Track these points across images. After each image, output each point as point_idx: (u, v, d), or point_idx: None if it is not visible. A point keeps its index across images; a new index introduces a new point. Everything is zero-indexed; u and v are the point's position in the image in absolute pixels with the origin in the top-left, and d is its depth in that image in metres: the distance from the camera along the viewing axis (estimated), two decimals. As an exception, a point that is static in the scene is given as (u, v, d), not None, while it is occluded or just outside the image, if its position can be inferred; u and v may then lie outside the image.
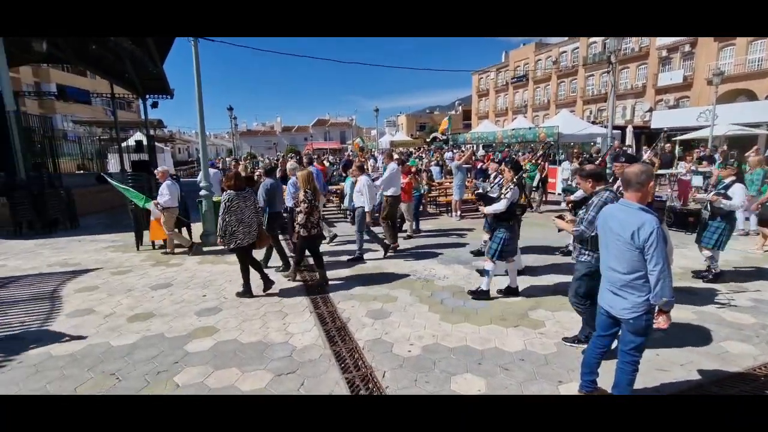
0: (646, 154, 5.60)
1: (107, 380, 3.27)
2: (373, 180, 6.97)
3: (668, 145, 15.16)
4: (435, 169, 11.53)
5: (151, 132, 20.17)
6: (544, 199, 12.18)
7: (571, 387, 3.03)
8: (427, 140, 35.99)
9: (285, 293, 5.13)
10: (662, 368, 3.29)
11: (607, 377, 2.82)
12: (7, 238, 8.28)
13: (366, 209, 6.41)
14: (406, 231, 8.17)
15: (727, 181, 5.23)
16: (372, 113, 34.26)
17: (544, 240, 7.37)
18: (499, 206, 4.64)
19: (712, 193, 5.28)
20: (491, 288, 4.84)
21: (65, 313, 4.61)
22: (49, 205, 9.00)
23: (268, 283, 5.13)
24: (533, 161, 10.01)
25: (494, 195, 4.99)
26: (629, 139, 20.22)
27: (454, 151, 18.46)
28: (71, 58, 13.52)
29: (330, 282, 5.44)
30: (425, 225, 9.05)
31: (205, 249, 7.15)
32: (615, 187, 4.48)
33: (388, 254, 6.73)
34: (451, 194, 10.11)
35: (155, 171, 7.55)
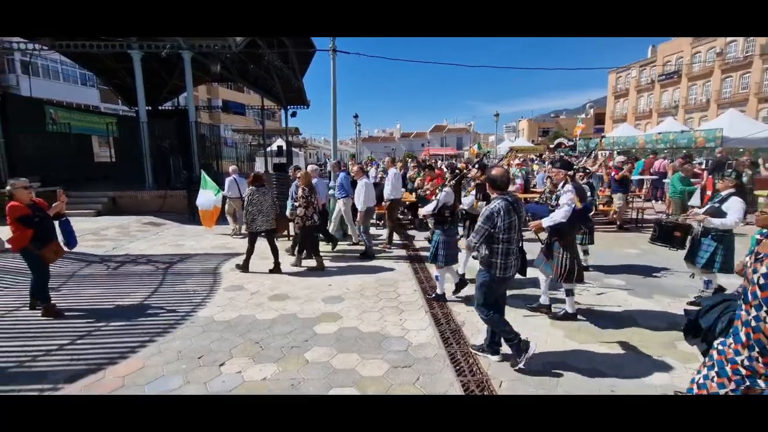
0: (582, 160, 4.73)
1: (253, 347, 3.83)
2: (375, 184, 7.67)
3: None
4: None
5: (289, 138, 22.91)
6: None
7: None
8: (551, 146, 33.44)
9: (401, 292, 5.33)
10: None
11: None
12: (185, 224, 10.30)
13: (359, 209, 6.83)
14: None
15: (723, 193, 4.49)
16: (491, 119, 33.36)
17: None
18: (429, 207, 4.80)
19: (703, 210, 4.60)
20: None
21: (223, 287, 5.54)
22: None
23: (277, 268, 6.10)
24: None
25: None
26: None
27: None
28: (236, 77, 16.20)
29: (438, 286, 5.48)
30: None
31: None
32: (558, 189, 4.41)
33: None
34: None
35: (230, 168, 9.47)
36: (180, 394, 3.12)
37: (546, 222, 4.08)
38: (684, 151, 14.68)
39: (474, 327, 4.21)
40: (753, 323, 2.48)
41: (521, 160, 14.78)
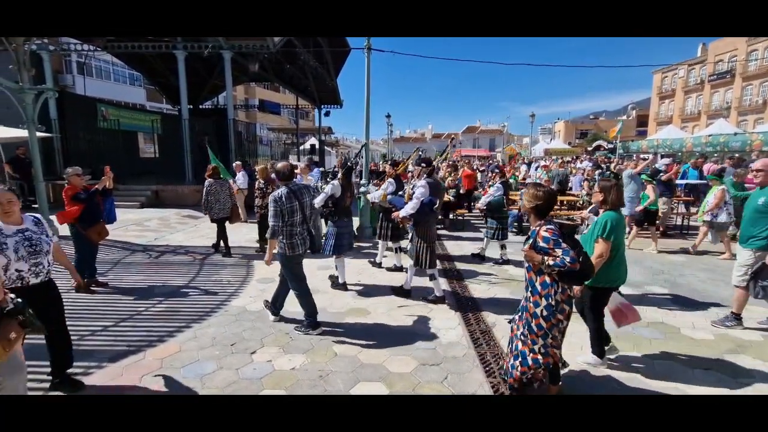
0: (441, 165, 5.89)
1: (283, 338, 3.90)
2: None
3: None
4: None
5: (322, 137, 23.27)
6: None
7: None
8: (589, 149, 32.25)
9: (430, 291, 5.27)
10: None
11: None
12: (220, 217, 10.66)
13: (316, 204, 7.03)
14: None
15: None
16: (526, 120, 32.48)
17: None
18: (317, 200, 4.82)
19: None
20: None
21: (256, 278, 5.68)
22: (252, 194, 11.27)
23: (228, 252, 6.78)
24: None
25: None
26: None
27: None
28: (272, 76, 16.63)
29: (475, 289, 5.42)
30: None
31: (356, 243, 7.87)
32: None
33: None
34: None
35: (235, 164, 10.21)
36: (182, 395, 3.16)
37: (401, 213, 4.66)
38: (736, 155, 13.74)
39: (506, 329, 4.10)
40: (522, 302, 2.72)
41: (559, 161, 14.33)
